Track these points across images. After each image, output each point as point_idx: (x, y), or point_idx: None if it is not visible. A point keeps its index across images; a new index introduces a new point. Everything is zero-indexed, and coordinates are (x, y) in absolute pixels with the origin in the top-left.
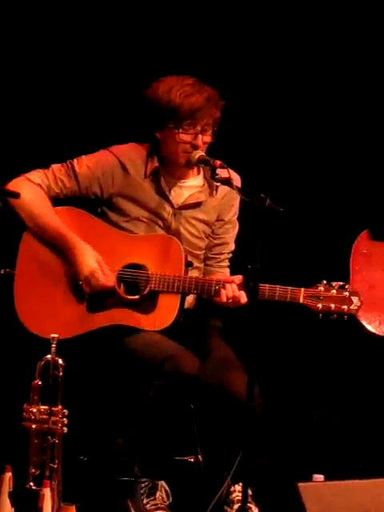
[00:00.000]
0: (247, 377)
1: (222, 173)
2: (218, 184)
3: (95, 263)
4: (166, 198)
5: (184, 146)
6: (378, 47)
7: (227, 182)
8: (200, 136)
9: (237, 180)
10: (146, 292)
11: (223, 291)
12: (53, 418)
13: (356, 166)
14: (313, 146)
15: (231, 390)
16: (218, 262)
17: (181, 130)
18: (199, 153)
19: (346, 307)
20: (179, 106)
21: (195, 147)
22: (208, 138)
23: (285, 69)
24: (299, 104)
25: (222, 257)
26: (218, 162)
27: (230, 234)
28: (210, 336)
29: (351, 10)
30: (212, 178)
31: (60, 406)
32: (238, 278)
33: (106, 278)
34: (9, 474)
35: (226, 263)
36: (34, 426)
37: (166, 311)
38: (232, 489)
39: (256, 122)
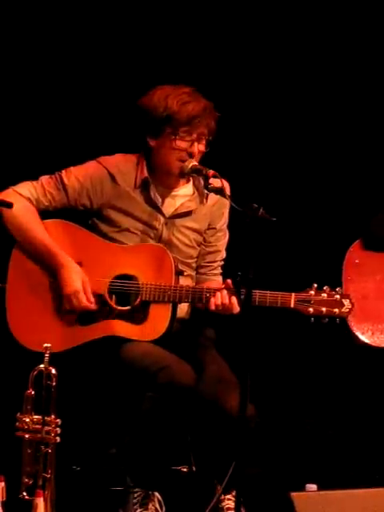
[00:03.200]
0: (240, 390)
1: (215, 182)
2: (211, 193)
3: (80, 284)
4: (157, 209)
5: (179, 154)
6: (371, 64)
7: (220, 191)
8: (196, 143)
9: (226, 188)
10: (137, 303)
11: (212, 299)
12: (46, 428)
13: (349, 175)
14: (306, 155)
15: (225, 407)
16: (212, 270)
17: (177, 137)
18: (192, 162)
19: (337, 310)
20: (176, 113)
21: (190, 155)
22: (203, 148)
23: (277, 81)
24: (290, 113)
25: (215, 264)
26: (211, 172)
27: (222, 241)
28: (203, 348)
29: (345, 24)
30: (205, 188)
31: (53, 416)
32: (227, 283)
33: (89, 300)
34: (2, 484)
35: (219, 271)
36: (27, 436)
37: (158, 321)
38: (222, 497)
39: (249, 131)
